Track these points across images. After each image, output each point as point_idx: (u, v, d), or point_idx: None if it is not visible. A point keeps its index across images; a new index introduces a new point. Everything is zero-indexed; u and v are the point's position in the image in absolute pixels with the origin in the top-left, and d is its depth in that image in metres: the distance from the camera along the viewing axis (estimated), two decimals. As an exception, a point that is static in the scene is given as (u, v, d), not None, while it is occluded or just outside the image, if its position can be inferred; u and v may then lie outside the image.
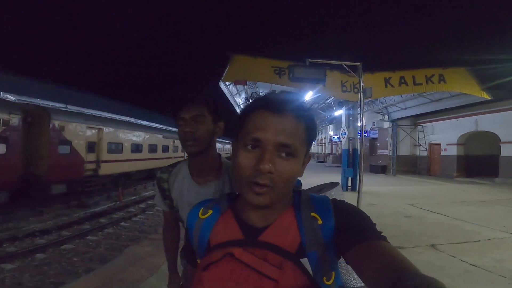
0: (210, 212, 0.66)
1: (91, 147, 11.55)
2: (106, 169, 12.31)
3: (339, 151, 23.45)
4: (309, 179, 9.26)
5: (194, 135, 1.03)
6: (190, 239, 0.69)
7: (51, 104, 12.85)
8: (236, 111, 15.04)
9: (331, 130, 27.04)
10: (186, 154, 1.17)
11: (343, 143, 10.67)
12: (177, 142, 19.13)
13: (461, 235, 4.42)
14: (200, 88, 1.09)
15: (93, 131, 11.75)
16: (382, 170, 16.56)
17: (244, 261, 0.52)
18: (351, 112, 10.69)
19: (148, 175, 16.64)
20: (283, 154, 0.54)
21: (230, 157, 0.62)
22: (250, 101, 0.61)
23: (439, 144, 15.01)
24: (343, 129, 10.61)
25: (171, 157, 19.34)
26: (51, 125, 9.48)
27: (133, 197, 11.39)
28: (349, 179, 9.87)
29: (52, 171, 9.37)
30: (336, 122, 22.61)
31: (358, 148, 9.85)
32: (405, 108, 14.73)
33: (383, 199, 7.82)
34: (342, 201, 0.63)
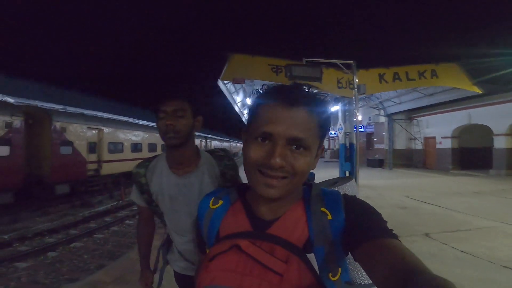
0: (221, 202, 0.66)
1: (92, 147, 11.70)
2: (107, 169, 12.46)
3: (337, 146, 23.69)
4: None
5: (175, 128, 1.05)
6: (200, 229, 0.69)
7: (49, 106, 12.91)
8: (235, 110, 15.20)
9: (328, 125, 27.23)
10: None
11: (340, 138, 10.92)
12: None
13: (453, 225, 4.67)
14: (184, 84, 1.13)
15: (94, 131, 11.88)
16: (379, 164, 16.84)
17: (250, 253, 0.52)
18: (347, 107, 10.91)
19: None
20: (295, 147, 0.54)
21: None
22: (261, 92, 0.59)
23: (434, 138, 15.29)
24: (340, 124, 10.84)
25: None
26: (52, 127, 9.60)
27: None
28: (347, 173, 10.12)
29: (55, 171, 9.52)
30: (333, 117, 22.80)
31: (355, 142, 10.11)
32: (400, 103, 14.99)
33: (380, 191, 8.08)
34: (354, 197, 0.62)
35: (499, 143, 12.07)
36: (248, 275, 0.51)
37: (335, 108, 12.49)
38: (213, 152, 1.25)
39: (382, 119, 16.61)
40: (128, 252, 4.32)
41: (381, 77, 8.80)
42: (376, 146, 18.10)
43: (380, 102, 15.39)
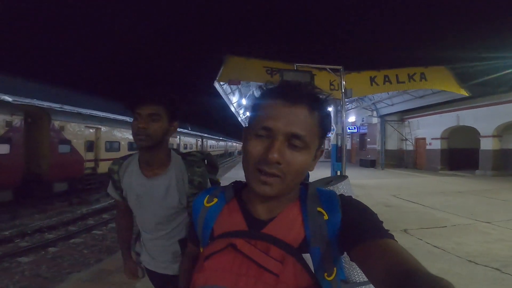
0: (215, 200, 0.65)
1: (90, 146, 11.88)
2: (104, 167, 12.63)
3: (329, 147, 23.97)
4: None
5: (146, 131, 1.06)
6: (194, 226, 0.68)
7: (47, 104, 13.03)
8: (231, 110, 15.46)
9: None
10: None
11: (331, 139, 11.25)
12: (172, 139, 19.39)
13: (431, 222, 5.01)
14: (161, 86, 1.13)
15: (91, 130, 12.05)
16: (371, 164, 17.20)
17: (245, 253, 0.51)
18: (339, 108, 11.23)
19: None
20: (294, 145, 0.53)
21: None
22: (264, 89, 0.59)
23: (424, 139, 15.70)
24: (332, 125, 11.16)
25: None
26: (51, 125, 9.78)
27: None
28: (338, 172, 10.45)
29: (54, 170, 9.71)
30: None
31: (347, 143, 10.45)
32: (392, 104, 15.39)
33: (368, 191, 8.43)
34: (350, 197, 0.62)
35: (486, 144, 12.49)
36: (244, 275, 0.49)
37: (328, 109, 12.84)
38: (187, 155, 1.26)
39: (375, 120, 17.01)
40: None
41: (372, 79, 9.15)
42: (368, 146, 18.47)
43: (373, 104, 15.77)
